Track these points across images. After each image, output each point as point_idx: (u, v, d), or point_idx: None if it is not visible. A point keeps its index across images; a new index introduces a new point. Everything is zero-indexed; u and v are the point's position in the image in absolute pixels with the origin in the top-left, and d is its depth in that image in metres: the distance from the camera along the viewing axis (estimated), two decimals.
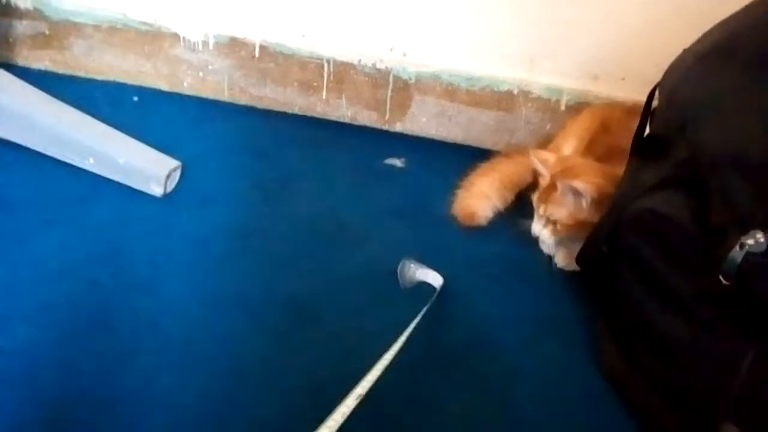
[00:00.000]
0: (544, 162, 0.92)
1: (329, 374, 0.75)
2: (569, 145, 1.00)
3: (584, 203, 0.86)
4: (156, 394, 0.71)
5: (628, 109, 0.99)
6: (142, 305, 0.81)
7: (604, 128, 0.98)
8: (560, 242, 0.92)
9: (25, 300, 0.79)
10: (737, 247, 0.57)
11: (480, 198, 1.02)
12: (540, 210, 0.90)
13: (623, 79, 1.13)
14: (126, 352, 0.75)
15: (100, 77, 1.23)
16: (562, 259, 0.93)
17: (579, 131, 1.00)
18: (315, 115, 1.22)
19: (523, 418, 0.74)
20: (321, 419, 0.67)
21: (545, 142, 1.13)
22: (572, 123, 1.05)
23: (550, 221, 0.90)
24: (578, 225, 0.87)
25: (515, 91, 1.15)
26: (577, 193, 0.85)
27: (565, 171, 0.89)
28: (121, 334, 0.77)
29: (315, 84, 1.20)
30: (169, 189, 1.00)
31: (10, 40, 1.21)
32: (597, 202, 0.85)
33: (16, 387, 0.70)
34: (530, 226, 0.93)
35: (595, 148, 0.95)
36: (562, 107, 1.15)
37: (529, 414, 0.75)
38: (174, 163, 1.00)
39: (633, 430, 0.74)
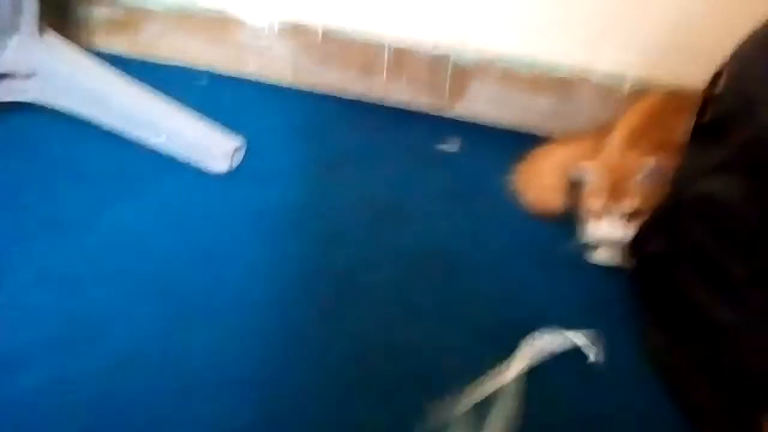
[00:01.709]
0: (591, 170, 0.91)
1: (374, 345, 0.77)
2: (615, 141, 0.99)
3: (660, 181, 0.84)
4: (211, 356, 0.75)
5: (677, 104, 0.97)
6: (204, 274, 0.86)
7: (650, 124, 0.96)
8: None
9: (99, 265, 0.85)
10: None
11: (553, 191, 1.02)
12: (622, 206, 0.87)
13: (689, 64, 1.09)
14: (186, 316, 0.80)
15: (170, 61, 1.29)
16: (601, 254, 0.93)
17: (624, 128, 0.99)
18: (374, 99, 1.25)
19: (567, 400, 0.75)
20: (364, 385, 0.70)
21: (602, 128, 1.11)
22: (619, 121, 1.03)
23: (632, 215, 0.87)
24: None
25: (575, 77, 1.14)
26: (658, 172, 0.84)
27: (618, 167, 0.88)
28: (182, 300, 0.82)
29: (375, 68, 1.22)
30: (233, 166, 1.04)
31: (90, 25, 1.28)
32: None
33: (88, 341, 0.75)
34: (600, 234, 0.90)
35: (643, 144, 0.93)
36: (624, 94, 1.13)
37: (572, 397, 0.75)
38: (238, 141, 1.05)
39: (675, 414, 0.73)
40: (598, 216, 0.89)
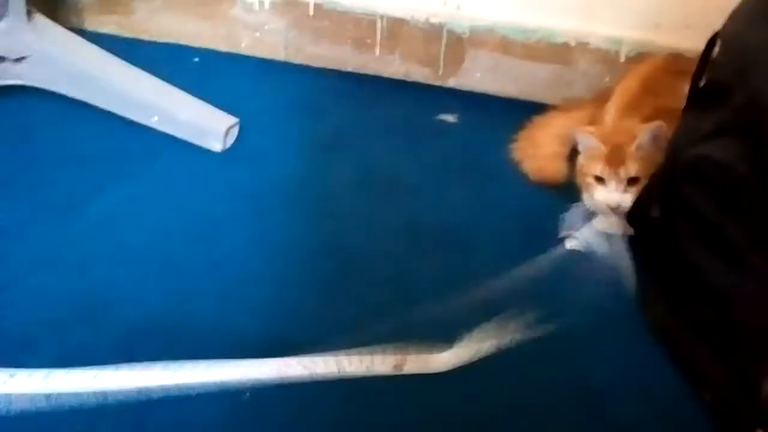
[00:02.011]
0: (587, 136, 0.89)
1: (371, 319, 0.78)
2: (612, 108, 0.97)
3: (662, 145, 0.83)
4: (214, 331, 0.76)
5: (675, 69, 0.95)
6: (203, 251, 0.86)
7: (648, 90, 0.94)
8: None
9: (98, 246, 0.86)
10: None
11: (552, 159, 1.01)
12: (621, 173, 0.86)
13: (687, 27, 1.08)
14: (189, 292, 0.80)
15: (162, 40, 1.28)
16: (602, 223, 0.92)
17: (621, 94, 0.98)
18: (369, 72, 1.23)
19: (569, 368, 0.75)
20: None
21: (603, 95, 1.10)
22: (617, 87, 1.02)
23: (630, 182, 0.87)
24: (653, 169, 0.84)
25: (572, 43, 1.12)
26: (658, 136, 0.83)
27: (617, 133, 0.88)
28: (184, 277, 0.82)
29: (368, 41, 1.20)
30: (228, 145, 1.04)
31: (79, 6, 1.27)
32: None
33: (91, 321, 0.76)
34: (598, 201, 0.89)
35: (641, 110, 0.92)
36: (622, 58, 1.12)
37: (574, 365, 0.76)
38: (232, 120, 1.04)
39: (678, 381, 0.73)
40: (597, 183, 0.88)
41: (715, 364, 0.69)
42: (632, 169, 0.86)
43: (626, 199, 0.87)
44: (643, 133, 0.84)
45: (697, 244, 0.70)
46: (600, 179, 0.88)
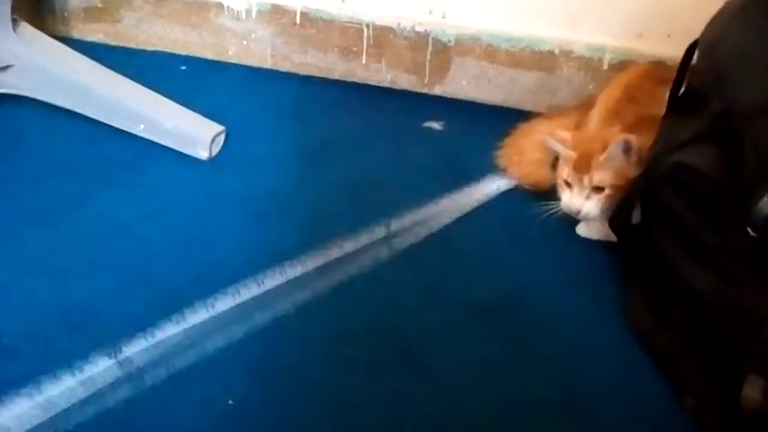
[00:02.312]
0: (563, 141, 0.90)
1: (360, 324, 0.78)
2: (595, 116, 0.98)
3: (633, 158, 0.84)
4: (202, 342, 0.75)
5: (657, 77, 0.97)
6: (189, 259, 0.86)
7: (630, 98, 0.95)
8: (603, 212, 0.90)
9: (85, 254, 0.85)
10: (766, 198, 0.56)
11: (538, 165, 1.02)
12: (584, 181, 0.87)
13: (669, 35, 1.09)
14: (174, 302, 0.80)
15: (149, 48, 1.28)
16: (584, 229, 0.93)
17: (603, 102, 0.99)
18: (355, 80, 1.24)
19: (551, 370, 0.76)
20: (355, 366, 0.71)
21: (587, 102, 1.11)
22: (600, 95, 1.03)
23: (594, 190, 0.87)
24: (624, 183, 0.85)
25: (556, 51, 1.14)
26: (628, 149, 0.84)
27: (591, 140, 0.88)
28: (169, 286, 0.82)
29: (355, 49, 1.21)
30: (215, 153, 1.04)
31: (66, 14, 1.27)
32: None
33: (77, 329, 0.75)
34: (563, 205, 0.90)
35: (623, 118, 0.93)
36: (605, 66, 1.13)
37: (556, 367, 0.76)
38: (218, 127, 1.05)
39: (660, 383, 0.74)
40: (565, 186, 0.89)
41: (697, 369, 0.70)
42: (596, 177, 0.86)
43: (588, 206, 0.87)
44: (613, 144, 0.84)
45: (676, 249, 0.71)
46: (568, 184, 0.89)
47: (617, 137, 0.84)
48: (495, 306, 0.83)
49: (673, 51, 1.07)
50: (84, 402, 0.68)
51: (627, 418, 0.71)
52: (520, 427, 0.70)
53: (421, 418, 0.69)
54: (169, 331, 0.76)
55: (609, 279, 0.87)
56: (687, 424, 0.70)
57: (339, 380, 0.72)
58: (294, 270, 0.85)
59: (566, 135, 0.91)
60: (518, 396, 0.73)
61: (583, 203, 0.87)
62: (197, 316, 0.78)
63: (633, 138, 0.83)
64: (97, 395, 0.69)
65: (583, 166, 0.87)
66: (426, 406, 0.71)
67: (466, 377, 0.74)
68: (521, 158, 1.04)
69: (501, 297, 0.84)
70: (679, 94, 0.77)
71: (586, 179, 0.87)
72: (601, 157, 0.85)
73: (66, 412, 0.67)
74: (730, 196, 0.63)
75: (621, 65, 1.11)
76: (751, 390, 0.62)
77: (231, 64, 1.27)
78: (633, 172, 0.84)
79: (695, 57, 0.78)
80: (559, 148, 0.90)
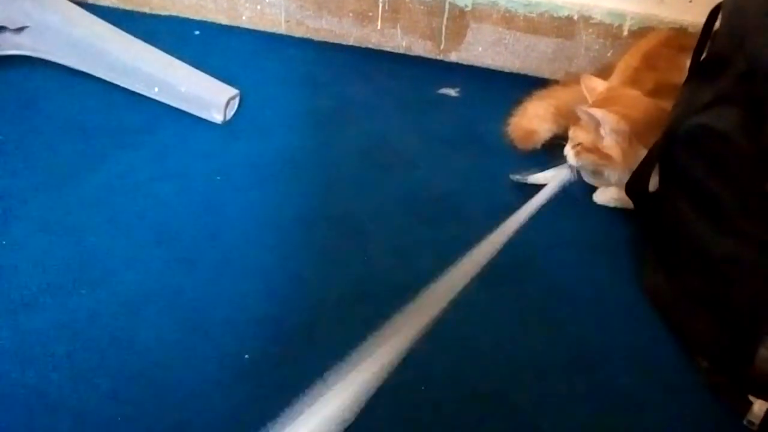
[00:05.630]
0: (591, 90, 0.91)
1: (374, 286, 0.79)
2: (613, 83, 0.97)
3: (603, 132, 0.85)
4: (215, 297, 0.76)
5: (678, 44, 0.95)
6: (204, 220, 0.86)
7: (649, 65, 0.94)
8: (594, 177, 0.91)
9: (100, 213, 0.86)
10: None
11: (536, 120, 1.01)
12: (570, 131, 0.90)
13: (690, 1, 1.07)
14: (189, 260, 0.81)
15: (163, 12, 1.28)
16: (600, 196, 0.93)
17: (622, 70, 0.98)
18: (370, 45, 1.23)
19: (565, 334, 0.76)
20: (368, 325, 0.72)
21: (606, 69, 1.10)
22: (619, 62, 1.02)
23: (575, 143, 0.89)
24: (598, 154, 0.86)
25: (575, 17, 1.12)
26: (597, 122, 0.85)
27: (606, 100, 0.88)
28: (184, 245, 0.83)
29: (370, 14, 1.20)
30: (229, 116, 1.04)
31: None
32: (637, 134, 0.83)
33: (93, 285, 0.77)
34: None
35: (642, 85, 0.92)
36: (625, 32, 1.11)
37: (570, 330, 0.76)
38: (233, 91, 1.04)
39: (673, 346, 0.74)
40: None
41: (711, 331, 0.70)
42: (575, 132, 0.89)
43: (570, 155, 0.90)
44: (580, 112, 0.86)
45: (694, 213, 0.70)
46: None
47: (587, 109, 0.85)
48: (509, 270, 0.83)
49: (694, 17, 1.06)
50: None
51: (640, 379, 0.72)
52: (535, 386, 0.70)
53: (437, 376, 0.70)
54: (183, 288, 0.77)
55: (624, 245, 0.87)
56: (700, 385, 0.70)
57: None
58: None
59: (598, 85, 0.92)
60: (533, 357, 0.73)
61: (569, 151, 0.90)
62: (211, 274, 0.79)
63: (599, 114, 0.84)
64: None
65: (576, 119, 0.89)
66: (441, 365, 0.71)
67: (481, 339, 0.75)
68: (520, 120, 1.03)
69: (516, 261, 0.84)
70: (701, 60, 0.76)
71: (571, 130, 0.90)
72: (576, 110, 0.87)
73: None
74: (749, 157, 0.62)
75: (641, 32, 1.09)
76: (766, 351, 0.61)
77: (245, 29, 1.26)
78: (607, 144, 0.85)
79: (718, 21, 0.76)
80: (587, 95, 0.92)
